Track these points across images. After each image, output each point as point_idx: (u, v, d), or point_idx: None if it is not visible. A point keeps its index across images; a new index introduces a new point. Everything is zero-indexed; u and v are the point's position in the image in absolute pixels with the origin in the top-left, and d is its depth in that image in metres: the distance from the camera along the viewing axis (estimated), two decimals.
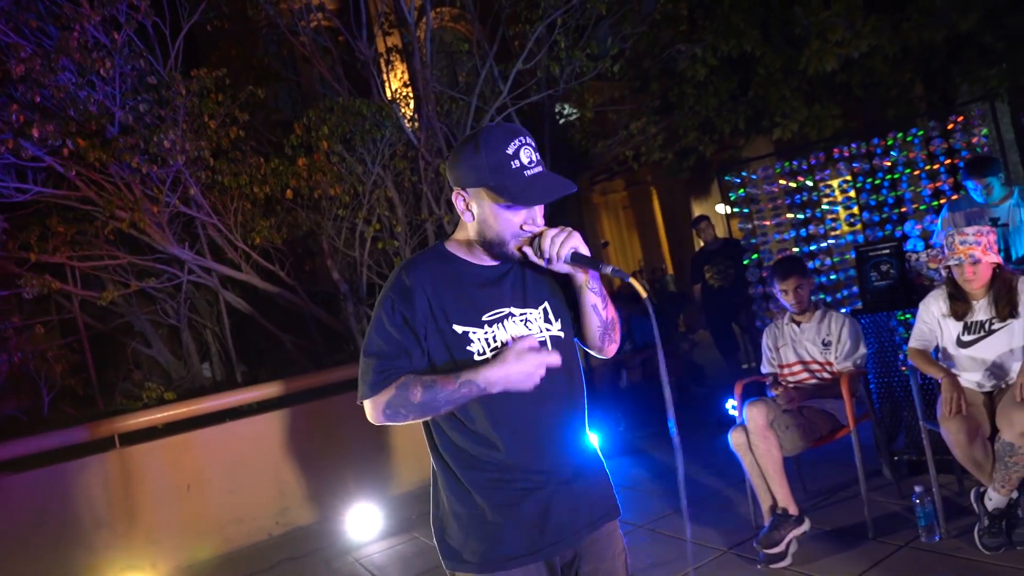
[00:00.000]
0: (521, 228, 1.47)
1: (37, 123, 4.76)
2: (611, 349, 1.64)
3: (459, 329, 1.48)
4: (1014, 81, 5.90)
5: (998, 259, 2.97)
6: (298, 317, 6.79)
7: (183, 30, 5.72)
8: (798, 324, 3.63)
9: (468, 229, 1.54)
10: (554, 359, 1.46)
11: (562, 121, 9.01)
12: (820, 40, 5.41)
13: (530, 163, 1.43)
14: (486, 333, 1.49)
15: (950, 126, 4.66)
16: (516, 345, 1.45)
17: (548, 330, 1.54)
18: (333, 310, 6.61)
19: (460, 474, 1.52)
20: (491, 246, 1.49)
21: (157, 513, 4.59)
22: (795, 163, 5.47)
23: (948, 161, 4.69)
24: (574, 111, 9.52)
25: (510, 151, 1.43)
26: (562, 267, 1.47)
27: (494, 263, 1.55)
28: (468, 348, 1.48)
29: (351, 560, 4.19)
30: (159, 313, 6.60)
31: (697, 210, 13.28)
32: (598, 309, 1.57)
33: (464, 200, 1.50)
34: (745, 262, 5.79)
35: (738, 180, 5.74)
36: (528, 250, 1.46)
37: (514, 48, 6.32)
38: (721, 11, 6.15)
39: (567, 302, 1.62)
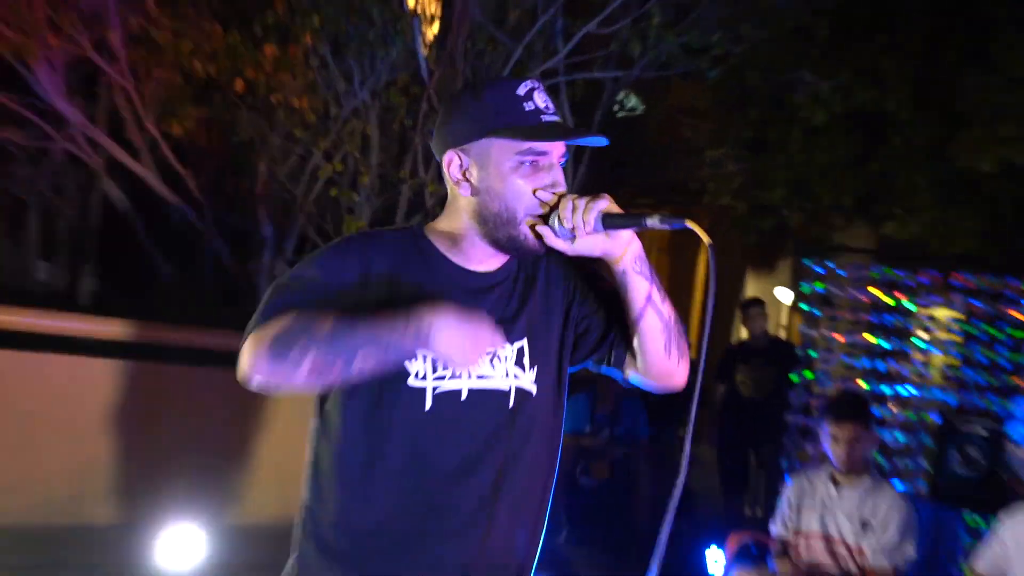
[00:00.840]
0: (534, 194, 1.48)
1: None
2: (683, 369, 1.61)
3: None
4: None
5: None
6: (193, 246, 6.73)
7: None
8: (837, 485, 3.58)
9: (460, 212, 1.55)
10: (497, 341, 1.45)
11: (620, 115, 8.95)
12: (984, 128, 5.42)
13: (547, 108, 1.49)
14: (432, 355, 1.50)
15: None
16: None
17: (516, 377, 1.55)
18: (242, 254, 6.55)
19: (329, 526, 1.52)
20: (495, 227, 1.51)
21: None
22: (900, 273, 5.55)
23: None
24: (639, 107, 9.50)
25: (520, 92, 1.49)
26: (589, 246, 1.47)
27: (482, 269, 1.57)
28: (406, 363, 1.48)
29: None
30: (7, 176, 6.47)
31: (752, 288, 13.29)
32: (654, 302, 1.55)
33: (460, 163, 1.51)
34: (793, 377, 5.81)
35: (820, 270, 5.77)
36: (544, 229, 1.48)
37: (591, 2, 6.25)
38: (870, 49, 6.14)
39: (593, 328, 1.62)
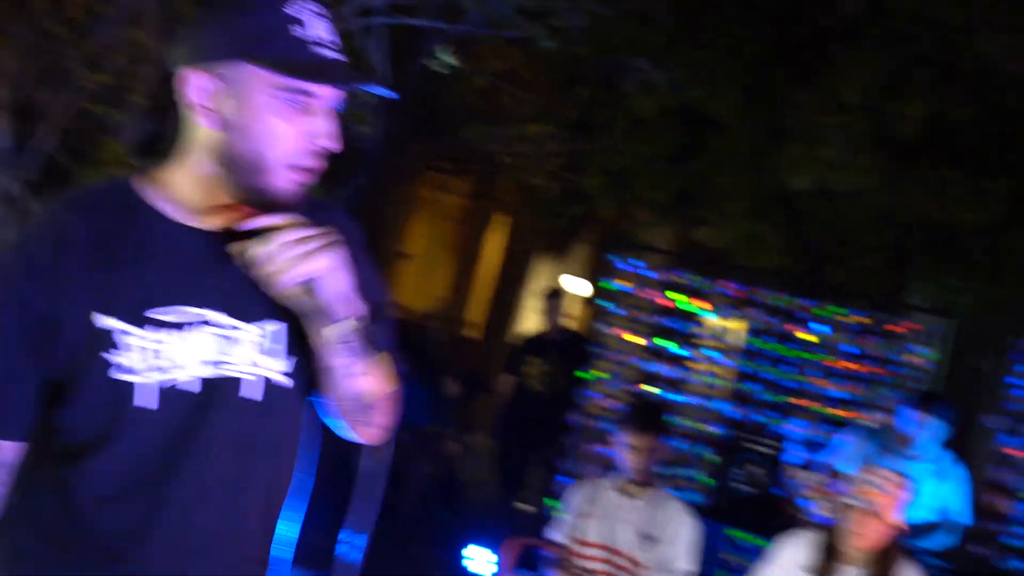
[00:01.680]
0: (297, 141, 1.30)
1: None
2: (370, 437, 1.54)
3: (103, 322, 1.29)
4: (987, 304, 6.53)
5: (903, 525, 3.23)
6: None
7: None
8: (625, 495, 3.72)
9: (198, 148, 1.34)
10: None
11: (436, 68, 8.83)
12: (804, 146, 5.81)
13: (324, 40, 1.31)
14: (144, 340, 1.31)
15: (900, 329, 5.15)
16: None
17: (268, 368, 1.38)
18: None
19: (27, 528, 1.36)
20: (239, 173, 1.31)
21: None
22: (707, 281, 5.84)
23: (878, 370, 5.16)
24: (454, 64, 9.42)
25: (291, 11, 1.29)
26: (285, 296, 1.33)
27: (221, 226, 1.36)
28: (108, 357, 1.29)
29: None
30: None
31: (541, 272, 13.64)
32: (352, 379, 1.40)
33: (207, 86, 1.30)
34: (583, 374, 5.95)
35: (628, 267, 5.92)
36: (235, 248, 1.32)
37: None
38: (709, 48, 6.42)
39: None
